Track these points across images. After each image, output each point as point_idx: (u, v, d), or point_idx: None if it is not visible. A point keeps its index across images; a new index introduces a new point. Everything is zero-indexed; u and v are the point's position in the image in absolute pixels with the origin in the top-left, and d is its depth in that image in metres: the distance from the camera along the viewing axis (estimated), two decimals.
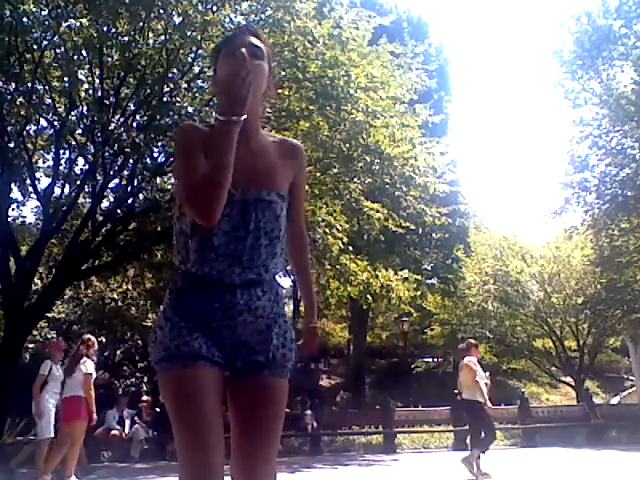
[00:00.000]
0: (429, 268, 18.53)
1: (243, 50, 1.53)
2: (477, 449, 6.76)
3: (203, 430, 1.46)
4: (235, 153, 1.49)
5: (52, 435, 6.76)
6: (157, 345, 1.57)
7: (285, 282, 26.85)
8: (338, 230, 10.47)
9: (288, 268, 1.77)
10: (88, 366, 6.44)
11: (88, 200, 11.60)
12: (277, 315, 1.66)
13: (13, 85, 9.59)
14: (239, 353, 1.60)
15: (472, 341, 7.77)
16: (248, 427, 1.60)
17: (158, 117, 9.74)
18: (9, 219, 11.08)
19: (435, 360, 28.15)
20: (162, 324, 1.59)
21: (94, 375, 6.56)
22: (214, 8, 9.34)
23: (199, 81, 10.49)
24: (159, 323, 1.60)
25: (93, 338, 6.93)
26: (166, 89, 9.77)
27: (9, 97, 9.31)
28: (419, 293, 14.05)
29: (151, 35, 10.00)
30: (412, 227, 11.15)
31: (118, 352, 20.12)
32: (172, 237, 1.68)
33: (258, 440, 1.59)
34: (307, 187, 10.55)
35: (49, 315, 15.36)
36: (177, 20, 9.43)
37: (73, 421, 6.26)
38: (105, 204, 11.95)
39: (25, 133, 10.42)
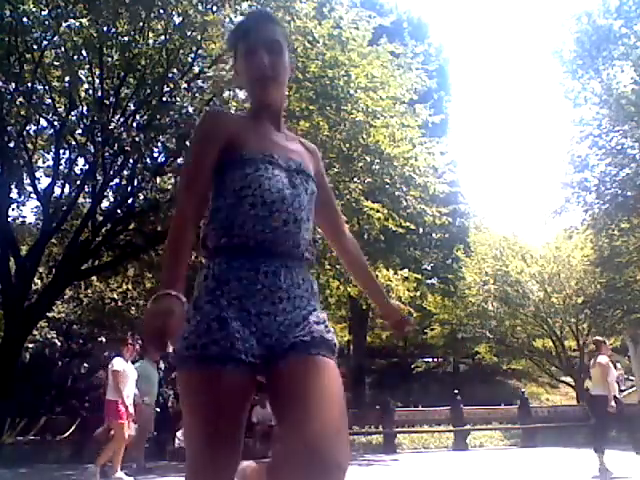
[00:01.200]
0: (429, 268, 18.55)
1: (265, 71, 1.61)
2: (601, 447, 6.73)
3: (220, 442, 1.36)
4: (268, 135, 1.62)
5: (132, 432, 6.84)
6: (182, 341, 1.38)
7: None
8: None
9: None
10: (114, 363, 6.56)
11: (88, 200, 11.60)
12: (313, 309, 1.56)
13: (13, 85, 9.58)
14: (278, 343, 1.44)
15: (599, 339, 7.70)
16: (307, 404, 1.32)
17: (158, 117, 9.74)
18: (9, 219, 11.08)
19: (435, 360, 28.18)
20: (190, 315, 1.39)
21: (122, 371, 6.55)
22: (214, 8, 9.34)
23: (199, 81, 10.48)
24: (187, 314, 1.36)
25: (128, 338, 7.07)
26: (166, 89, 9.76)
27: (9, 97, 9.30)
28: (419, 293, 14.07)
29: (151, 35, 10.01)
30: (412, 227, 11.12)
31: None
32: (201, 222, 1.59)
33: (325, 413, 1.31)
34: None
35: (49, 315, 15.35)
36: (177, 20, 9.43)
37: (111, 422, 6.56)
38: (105, 204, 11.95)
39: (25, 133, 10.41)
